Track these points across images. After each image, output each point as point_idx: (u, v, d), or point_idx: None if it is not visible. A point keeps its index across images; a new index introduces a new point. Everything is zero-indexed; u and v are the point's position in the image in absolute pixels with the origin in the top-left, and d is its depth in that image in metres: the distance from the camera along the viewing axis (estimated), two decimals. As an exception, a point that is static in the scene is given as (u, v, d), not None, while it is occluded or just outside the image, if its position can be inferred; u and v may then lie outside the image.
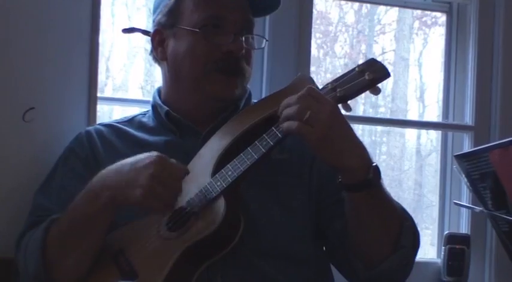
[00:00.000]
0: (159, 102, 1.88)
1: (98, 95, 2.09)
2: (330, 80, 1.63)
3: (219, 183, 1.61)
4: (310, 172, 1.79)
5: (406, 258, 1.69)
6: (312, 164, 1.79)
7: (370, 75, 1.57)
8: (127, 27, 2.01)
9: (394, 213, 1.67)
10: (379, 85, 1.60)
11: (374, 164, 1.58)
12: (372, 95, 1.62)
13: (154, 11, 1.90)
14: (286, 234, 1.73)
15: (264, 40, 1.87)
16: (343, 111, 1.60)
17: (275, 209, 1.74)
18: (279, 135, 1.59)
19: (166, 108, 1.85)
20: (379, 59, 1.65)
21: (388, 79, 1.62)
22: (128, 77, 2.71)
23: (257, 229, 1.69)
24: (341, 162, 1.56)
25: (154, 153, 1.58)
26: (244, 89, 1.84)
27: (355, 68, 1.60)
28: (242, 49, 1.77)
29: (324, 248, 1.83)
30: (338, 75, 1.63)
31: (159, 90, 1.93)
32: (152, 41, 1.88)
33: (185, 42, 1.79)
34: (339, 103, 1.60)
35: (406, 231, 1.68)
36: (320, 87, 1.65)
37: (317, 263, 1.77)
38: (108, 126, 1.90)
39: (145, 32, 1.95)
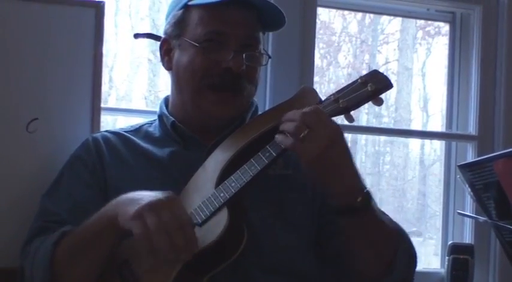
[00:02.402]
0: (166, 112, 1.88)
1: (102, 105, 2.09)
2: (333, 92, 1.64)
3: (222, 195, 1.61)
4: (313, 187, 1.78)
5: (400, 280, 1.69)
6: None
7: (372, 86, 1.58)
8: (140, 32, 2.02)
9: (387, 237, 1.67)
10: (382, 96, 1.60)
11: (365, 191, 1.58)
12: (375, 105, 1.62)
13: (165, 19, 1.90)
14: (289, 249, 1.73)
15: (267, 57, 1.84)
16: (346, 122, 1.60)
17: (278, 224, 1.73)
18: (282, 146, 1.59)
19: (172, 119, 1.84)
20: (382, 68, 1.66)
21: (391, 89, 1.62)
22: (132, 87, 2.72)
23: (259, 244, 1.68)
24: (328, 185, 1.58)
25: (170, 194, 1.55)
26: (242, 108, 1.82)
27: (357, 79, 1.61)
28: (242, 66, 1.75)
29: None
30: (341, 87, 1.63)
31: (166, 100, 1.93)
32: (160, 49, 1.89)
33: (187, 55, 1.79)
34: (341, 114, 1.60)
35: (401, 255, 1.68)
36: (323, 98, 1.65)
37: (319, 278, 1.77)
38: (115, 134, 1.90)
39: (156, 38, 1.95)
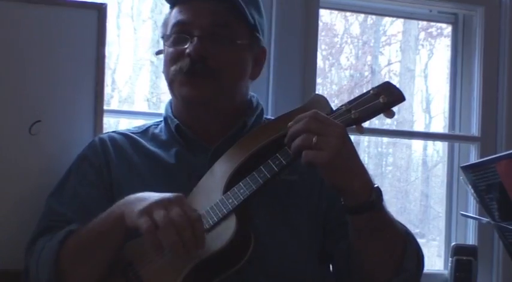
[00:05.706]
0: (171, 115, 1.88)
1: (104, 107, 2.09)
2: (345, 102, 1.64)
3: (230, 201, 1.61)
4: (319, 193, 1.78)
5: (409, 281, 1.69)
6: (321, 185, 1.78)
7: (384, 98, 1.59)
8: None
9: (397, 236, 1.67)
10: (393, 108, 1.61)
11: (376, 186, 1.59)
12: (386, 117, 1.63)
13: None
14: (293, 255, 1.72)
15: (236, 43, 1.80)
16: (353, 134, 1.61)
17: (283, 230, 1.73)
18: (292, 155, 1.59)
19: (176, 121, 1.84)
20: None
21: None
22: (134, 90, 2.72)
23: (264, 250, 1.67)
24: (345, 184, 1.57)
25: (178, 194, 1.56)
26: (215, 90, 1.78)
27: (369, 90, 1.62)
28: (197, 49, 1.74)
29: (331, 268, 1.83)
30: (352, 97, 1.63)
31: (171, 102, 1.92)
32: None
33: (165, 51, 1.84)
34: (353, 125, 1.61)
35: (410, 255, 1.68)
36: (334, 108, 1.65)
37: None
38: (122, 134, 1.90)
39: None
